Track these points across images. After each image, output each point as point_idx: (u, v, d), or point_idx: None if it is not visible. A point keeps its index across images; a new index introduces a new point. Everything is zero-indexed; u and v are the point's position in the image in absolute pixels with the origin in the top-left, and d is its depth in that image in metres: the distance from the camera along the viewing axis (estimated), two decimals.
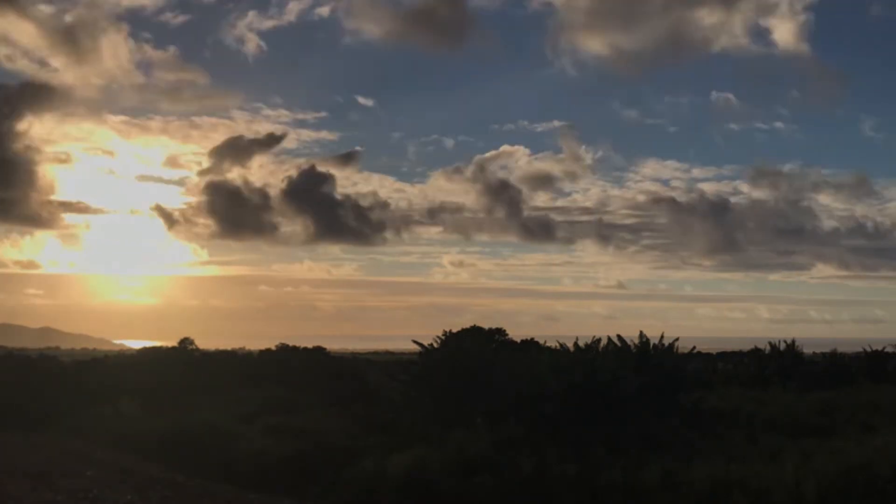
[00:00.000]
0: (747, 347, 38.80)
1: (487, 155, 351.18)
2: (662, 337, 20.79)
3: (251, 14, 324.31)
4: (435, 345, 22.41)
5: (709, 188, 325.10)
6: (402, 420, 19.73)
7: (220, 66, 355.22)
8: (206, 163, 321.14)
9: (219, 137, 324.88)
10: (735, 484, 12.79)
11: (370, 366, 40.81)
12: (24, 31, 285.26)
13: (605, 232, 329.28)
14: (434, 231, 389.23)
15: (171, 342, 47.44)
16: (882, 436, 15.22)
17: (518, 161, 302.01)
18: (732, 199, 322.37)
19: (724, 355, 46.77)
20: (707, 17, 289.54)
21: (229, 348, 67.18)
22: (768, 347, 33.11)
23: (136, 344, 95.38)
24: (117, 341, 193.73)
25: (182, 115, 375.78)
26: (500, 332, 31.07)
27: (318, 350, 39.45)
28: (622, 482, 13.51)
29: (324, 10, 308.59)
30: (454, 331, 24.23)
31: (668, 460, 14.11)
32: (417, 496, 14.29)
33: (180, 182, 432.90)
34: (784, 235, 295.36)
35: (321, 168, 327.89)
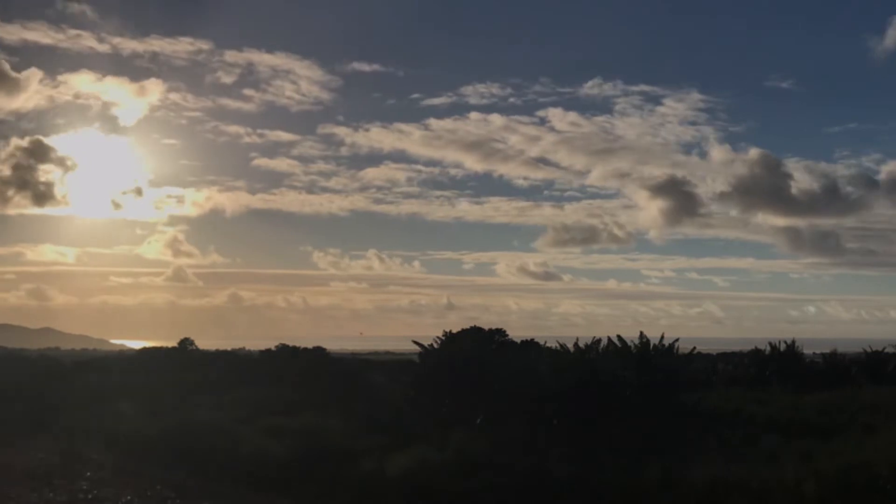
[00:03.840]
0: (747, 348, 38.73)
1: None
2: (663, 337, 20.81)
3: None
4: (435, 345, 22.41)
5: None
6: (402, 420, 19.73)
7: None
8: None
9: None
10: (735, 484, 12.80)
11: (370, 366, 40.78)
12: None
13: None
14: None
15: (172, 342, 47.56)
16: (882, 436, 15.22)
17: None
18: None
19: (724, 356, 46.72)
20: None
21: (229, 348, 67.25)
22: (768, 348, 33.09)
23: (136, 344, 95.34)
24: (117, 341, 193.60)
25: None
26: (500, 332, 31.07)
27: (318, 350, 39.46)
28: (622, 482, 13.52)
29: None
30: (454, 331, 24.24)
31: (669, 460, 14.11)
32: (417, 496, 14.29)
33: None
34: None
35: None
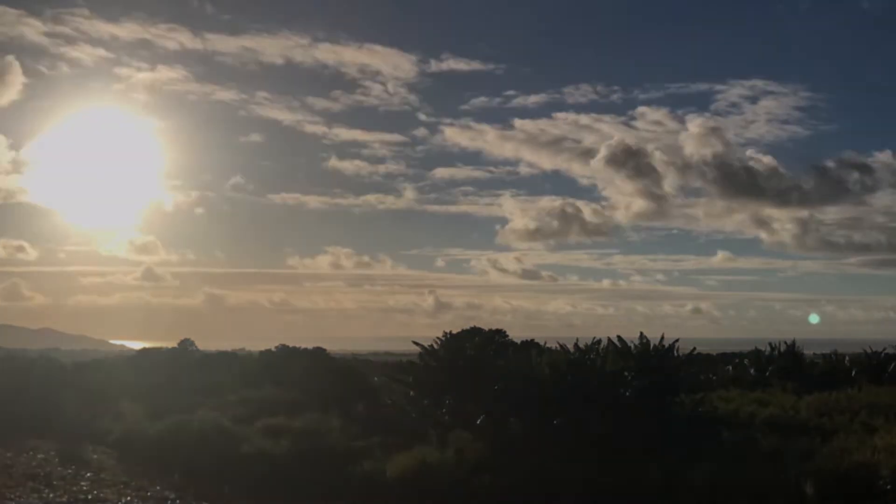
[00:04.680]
0: (747, 348, 38.74)
1: None
2: (663, 338, 20.76)
3: None
4: (435, 346, 22.39)
5: None
6: (402, 421, 19.73)
7: None
8: None
9: None
10: (735, 485, 12.80)
11: (370, 367, 40.76)
12: None
13: None
14: None
15: (172, 343, 47.59)
16: (882, 436, 15.23)
17: None
18: None
19: (724, 356, 46.76)
20: None
21: (229, 349, 67.27)
22: (768, 348, 33.08)
23: (136, 344, 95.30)
24: (117, 342, 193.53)
25: None
26: (500, 332, 31.14)
27: (319, 351, 39.48)
28: (622, 483, 13.52)
29: None
30: (454, 332, 24.23)
31: (669, 461, 14.11)
32: (417, 497, 14.30)
33: None
34: None
35: None
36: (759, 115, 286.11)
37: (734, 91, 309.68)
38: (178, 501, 14.95)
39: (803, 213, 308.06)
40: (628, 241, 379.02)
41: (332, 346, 50.80)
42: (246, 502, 15.12)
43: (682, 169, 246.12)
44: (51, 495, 15.39)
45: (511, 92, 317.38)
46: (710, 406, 20.98)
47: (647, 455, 14.69)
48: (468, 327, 30.18)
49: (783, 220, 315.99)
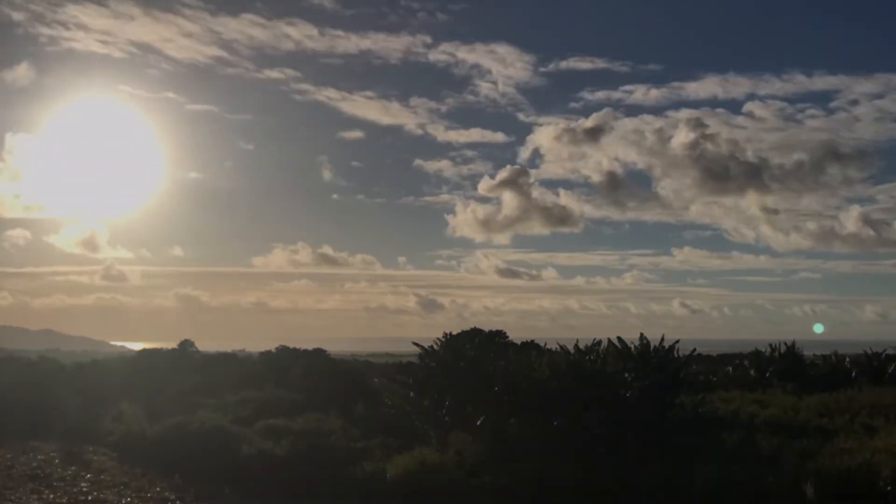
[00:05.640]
0: (748, 349, 38.77)
1: None
2: (663, 339, 20.77)
3: None
4: (435, 347, 22.40)
5: None
6: (402, 422, 19.74)
7: None
8: None
9: None
10: (735, 486, 12.81)
11: (370, 368, 40.76)
12: None
13: None
14: None
15: (172, 344, 47.58)
16: (882, 437, 15.24)
17: None
18: None
19: (724, 357, 46.77)
20: None
21: (229, 350, 67.29)
22: (768, 349, 33.10)
23: (136, 345, 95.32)
24: (117, 343, 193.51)
25: None
26: (500, 334, 31.16)
27: (319, 352, 39.50)
28: (622, 484, 13.53)
29: None
30: (454, 333, 24.25)
31: (669, 462, 14.11)
32: (418, 498, 14.30)
33: None
34: None
35: None
36: (869, 114, 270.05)
37: (860, 87, 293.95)
38: (178, 502, 14.95)
39: (822, 210, 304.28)
40: (662, 239, 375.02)
41: (331, 347, 50.81)
42: (246, 503, 15.12)
43: (731, 169, 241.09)
44: (51, 496, 15.39)
45: (629, 87, 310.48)
46: (711, 407, 21.01)
47: (647, 456, 14.70)
48: (468, 328, 30.23)
49: (796, 219, 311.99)
